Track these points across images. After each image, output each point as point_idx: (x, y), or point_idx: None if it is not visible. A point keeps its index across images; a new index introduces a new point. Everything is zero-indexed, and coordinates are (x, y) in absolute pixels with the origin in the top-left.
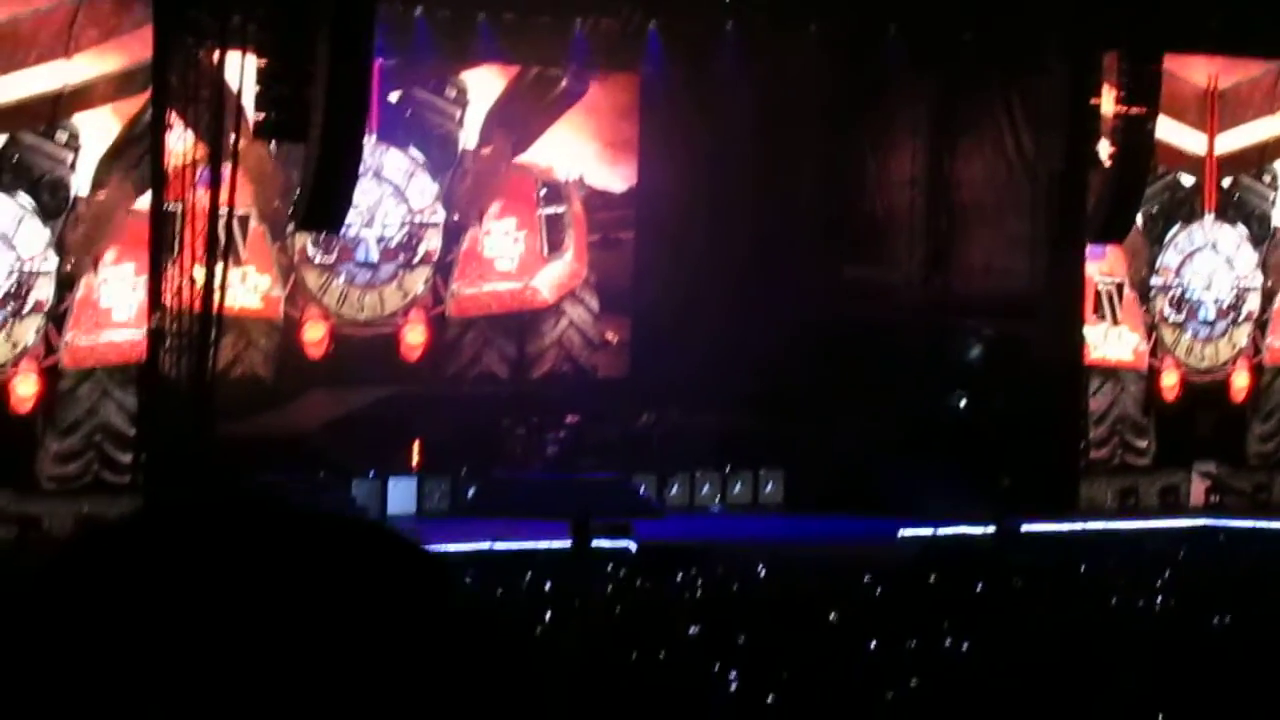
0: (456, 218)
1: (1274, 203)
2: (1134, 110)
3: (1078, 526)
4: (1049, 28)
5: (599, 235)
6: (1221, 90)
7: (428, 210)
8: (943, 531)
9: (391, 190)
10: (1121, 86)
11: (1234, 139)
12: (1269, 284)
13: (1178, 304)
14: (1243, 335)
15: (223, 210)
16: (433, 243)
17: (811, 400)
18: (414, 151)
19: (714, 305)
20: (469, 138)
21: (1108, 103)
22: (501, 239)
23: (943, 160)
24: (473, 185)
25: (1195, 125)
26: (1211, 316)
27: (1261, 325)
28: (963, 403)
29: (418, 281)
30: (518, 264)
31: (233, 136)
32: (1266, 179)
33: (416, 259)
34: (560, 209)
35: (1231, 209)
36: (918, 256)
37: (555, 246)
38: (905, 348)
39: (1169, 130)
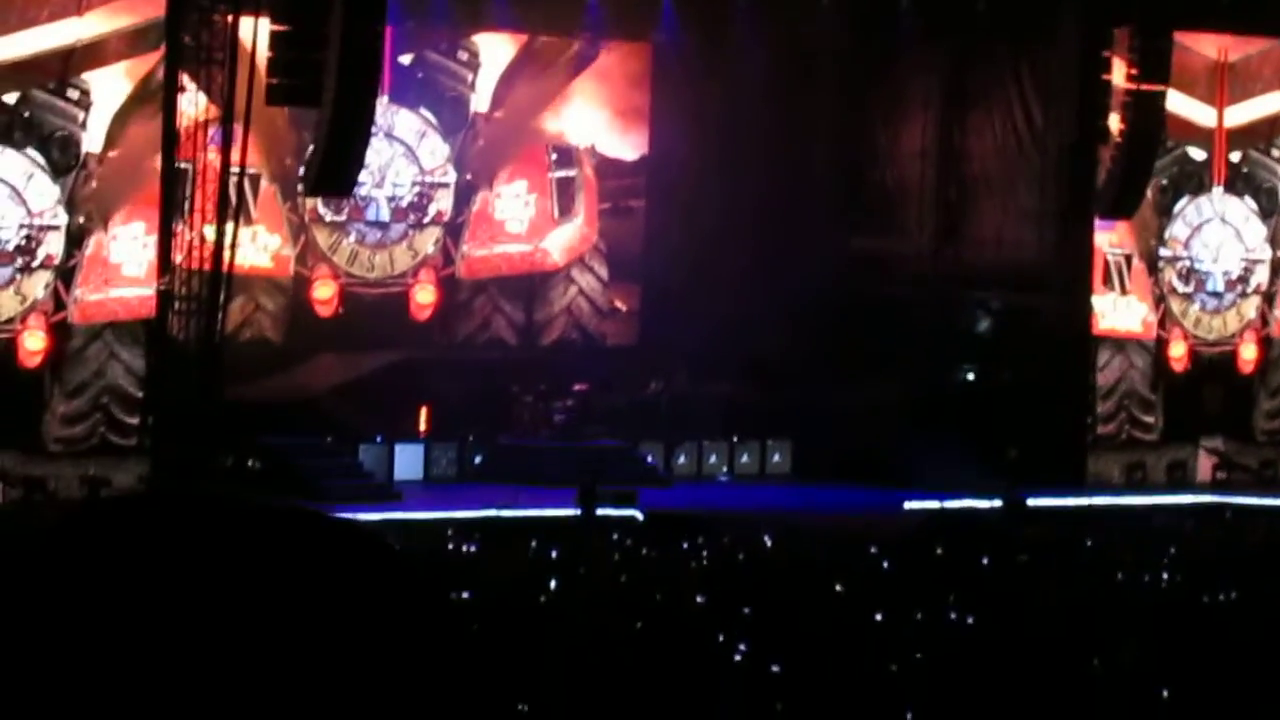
0: (468, 179)
1: None
2: (1145, 86)
3: (1084, 501)
4: (1061, 0)
5: (609, 203)
6: (1231, 63)
7: (439, 171)
8: (949, 504)
9: (403, 150)
10: (1132, 62)
11: (1244, 112)
12: (1277, 257)
13: (1186, 276)
14: (1250, 308)
15: (234, 170)
16: (443, 203)
17: (819, 371)
18: (425, 112)
19: (723, 275)
20: (481, 101)
21: (1118, 77)
22: (512, 201)
23: (953, 132)
24: (484, 148)
25: (1205, 99)
26: (1220, 288)
27: (1269, 298)
28: (971, 375)
29: (428, 241)
30: (528, 226)
31: (245, 98)
32: (1276, 153)
33: (427, 219)
34: (571, 172)
35: (1240, 182)
36: (928, 228)
37: (566, 210)
38: (914, 319)
39: (1179, 103)
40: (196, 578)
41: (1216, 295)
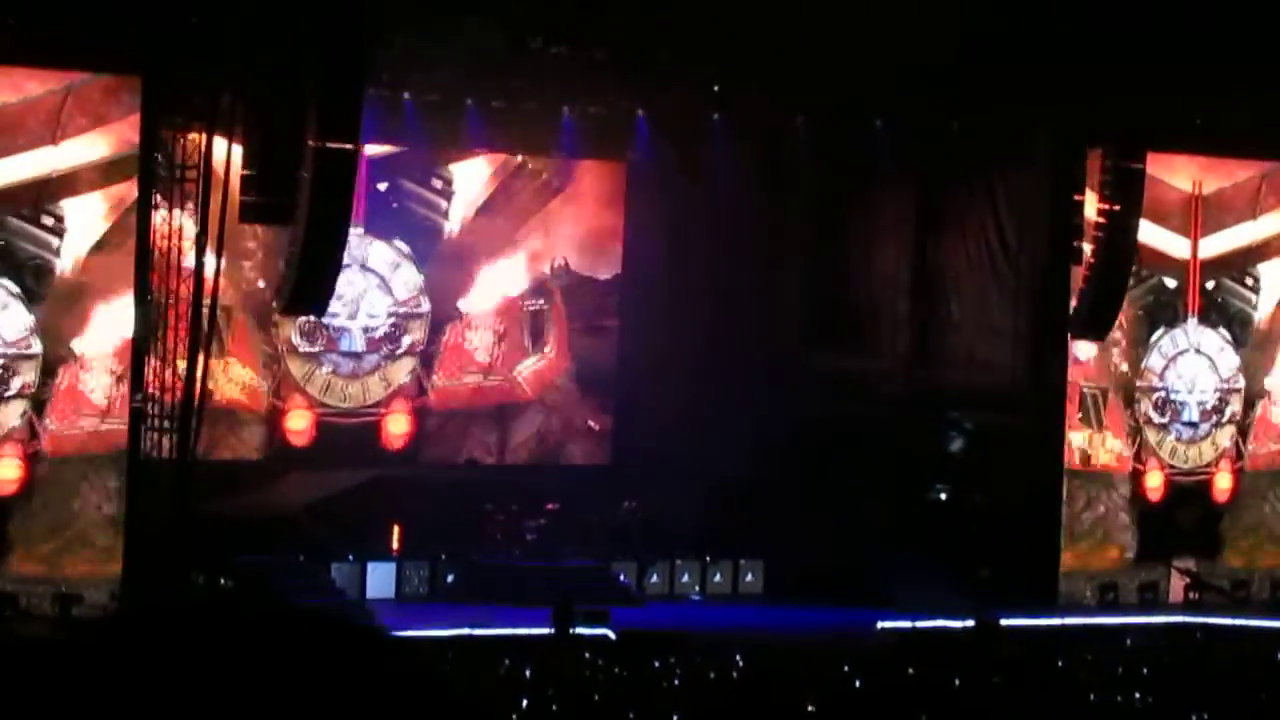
0: (440, 308)
1: (1255, 305)
2: (1116, 208)
3: (1056, 621)
4: (1034, 123)
5: (582, 322)
6: (1205, 195)
7: (411, 301)
8: (922, 624)
9: (377, 282)
10: (1104, 184)
11: (1217, 243)
12: (1250, 387)
13: (1161, 406)
14: (1225, 437)
15: (207, 295)
16: (416, 334)
17: (792, 490)
18: (399, 243)
19: (696, 394)
20: (454, 229)
21: (1090, 201)
22: (484, 332)
23: (926, 251)
24: (456, 276)
25: (1179, 230)
26: (1195, 419)
27: (1244, 429)
28: (943, 495)
29: (401, 372)
30: (500, 357)
31: (220, 220)
32: (1249, 281)
33: (400, 350)
34: (542, 303)
35: (1214, 312)
36: (901, 347)
37: (536, 340)
38: (887, 439)
39: (1153, 234)
40: (189, 693)
41: (1192, 425)
